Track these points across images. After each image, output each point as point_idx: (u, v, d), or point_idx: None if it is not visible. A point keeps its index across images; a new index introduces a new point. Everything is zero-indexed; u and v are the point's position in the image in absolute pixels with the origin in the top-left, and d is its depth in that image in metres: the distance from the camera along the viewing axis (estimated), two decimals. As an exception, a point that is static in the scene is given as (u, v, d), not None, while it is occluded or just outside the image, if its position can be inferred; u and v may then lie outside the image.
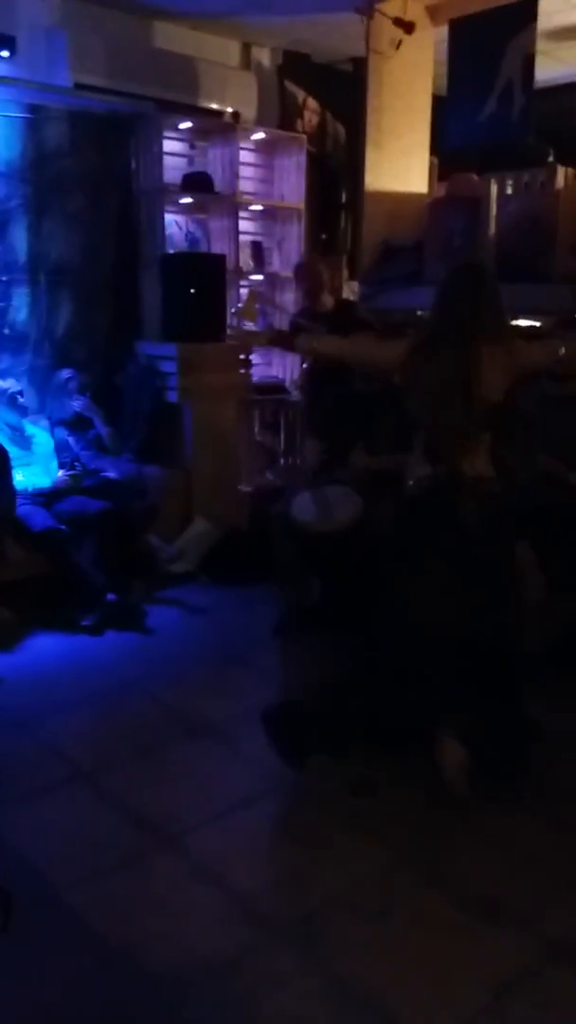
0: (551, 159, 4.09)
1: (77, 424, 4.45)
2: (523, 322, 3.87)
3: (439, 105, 4.50)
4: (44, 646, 3.71)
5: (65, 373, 4.48)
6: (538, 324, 3.86)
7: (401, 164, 4.55)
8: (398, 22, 4.33)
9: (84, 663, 3.56)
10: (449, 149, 4.52)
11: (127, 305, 5.08)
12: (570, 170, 3.73)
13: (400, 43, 4.38)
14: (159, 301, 4.85)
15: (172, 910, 2.13)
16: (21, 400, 4.25)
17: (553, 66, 4.55)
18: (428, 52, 4.54)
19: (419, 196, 4.58)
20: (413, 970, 1.93)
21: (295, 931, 2.05)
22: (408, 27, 4.34)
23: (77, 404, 4.39)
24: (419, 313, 4.25)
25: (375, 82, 4.40)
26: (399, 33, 4.35)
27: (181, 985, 1.89)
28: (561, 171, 3.72)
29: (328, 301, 4.92)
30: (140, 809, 2.53)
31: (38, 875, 2.22)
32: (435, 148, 4.67)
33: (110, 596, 3.93)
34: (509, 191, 3.87)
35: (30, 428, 4.31)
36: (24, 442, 4.23)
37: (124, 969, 1.94)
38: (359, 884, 2.22)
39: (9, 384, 4.27)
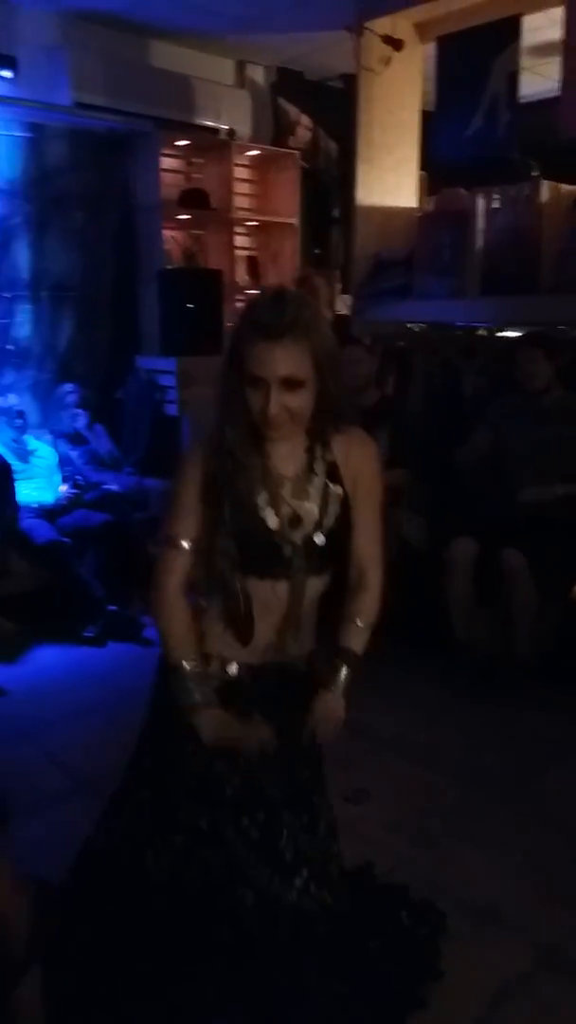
0: (535, 173, 4.18)
1: (79, 438, 4.54)
2: (510, 333, 3.95)
3: (428, 120, 4.57)
4: (47, 657, 3.81)
5: (66, 388, 4.59)
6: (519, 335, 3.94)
7: (391, 179, 4.63)
8: (387, 39, 4.41)
9: (85, 673, 3.65)
10: (437, 164, 4.60)
11: (127, 320, 5.19)
12: (553, 184, 3.81)
13: (389, 60, 4.46)
14: (158, 316, 4.95)
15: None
16: (19, 421, 4.33)
17: (537, 81, 4.62)
18: (417, 68, 4.61)
19: (409, 210, 4.66)
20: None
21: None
22: (397, 44, 4.43)
23: (78, 422, 4.50)
24: (409, 326, 4.33)
25: (365, 98, 4.47)
26: (388, 50, 4.43)
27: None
28: (545, 185, 3.80)
29: (327, 315, 5.00)
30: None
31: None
32: (424, 163, 4.75)
33: (111, 607, 4.02)
34: (496, 205, 3.95)
35: (32, 443, 4.40)
36: (27, 456, 4.33)
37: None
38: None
39: (12, 401, 4.38)
